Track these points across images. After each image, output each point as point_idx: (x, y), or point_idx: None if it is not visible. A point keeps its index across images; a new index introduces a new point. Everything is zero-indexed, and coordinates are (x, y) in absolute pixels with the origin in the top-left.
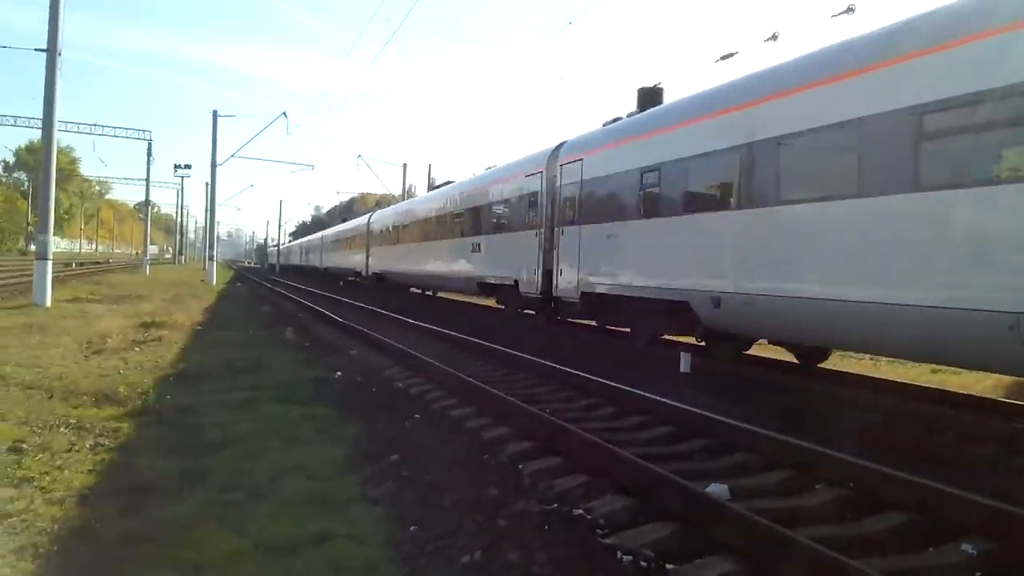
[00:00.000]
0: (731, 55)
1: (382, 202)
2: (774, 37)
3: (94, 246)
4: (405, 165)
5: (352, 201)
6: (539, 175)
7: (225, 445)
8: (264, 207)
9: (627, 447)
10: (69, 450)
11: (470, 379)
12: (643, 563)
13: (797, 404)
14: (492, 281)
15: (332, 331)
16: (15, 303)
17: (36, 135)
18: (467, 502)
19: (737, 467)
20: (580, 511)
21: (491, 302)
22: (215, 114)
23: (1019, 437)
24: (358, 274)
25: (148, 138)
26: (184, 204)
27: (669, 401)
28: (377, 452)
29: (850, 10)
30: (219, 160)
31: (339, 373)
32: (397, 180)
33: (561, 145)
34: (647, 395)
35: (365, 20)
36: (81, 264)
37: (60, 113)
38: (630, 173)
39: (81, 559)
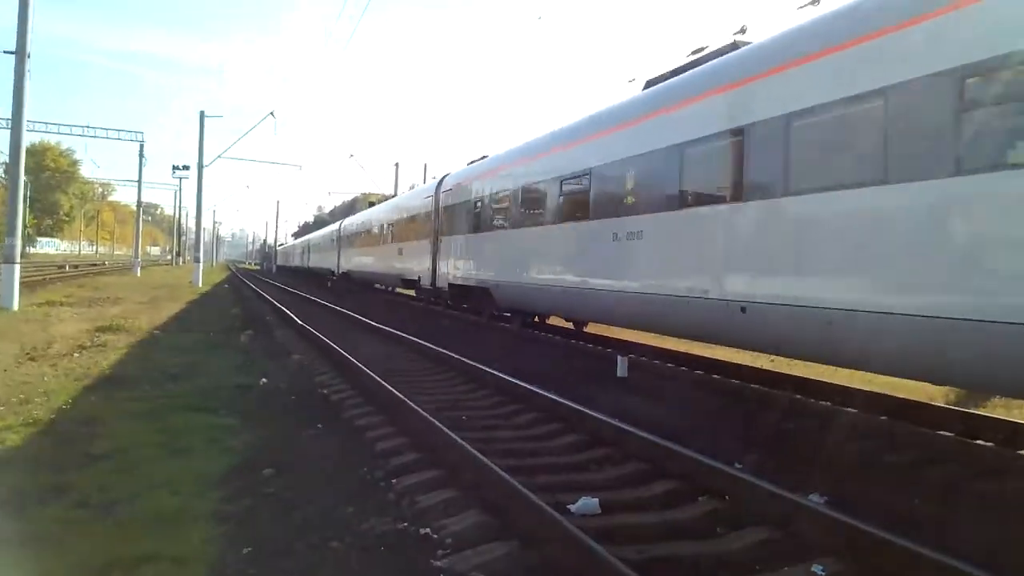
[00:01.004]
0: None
1: (377, 203)
2: (742, 31)
3: (95, 248)
4: (397, 164)
5: (355, 201)
6: (431, 198)
7: (105, 458)
8: (265, 208)
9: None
10: None
11: (389, 387)
12: None
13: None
14: (408, 276)
15: (288, 334)
16: None
17: (35, 137)
18: (315, 522)
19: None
20: (427, 530)
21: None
22: (202, 115)
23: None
24: (332, 272)
25: (140, 139)
26: (183, 205)
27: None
28: (257, 465)
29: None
30: (205, 161)
31: (264, 380)
32: (390, 179)
33: (445, 176)
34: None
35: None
36: (75, 266)
37: (55, 115)
38: (467, 203)
39: None
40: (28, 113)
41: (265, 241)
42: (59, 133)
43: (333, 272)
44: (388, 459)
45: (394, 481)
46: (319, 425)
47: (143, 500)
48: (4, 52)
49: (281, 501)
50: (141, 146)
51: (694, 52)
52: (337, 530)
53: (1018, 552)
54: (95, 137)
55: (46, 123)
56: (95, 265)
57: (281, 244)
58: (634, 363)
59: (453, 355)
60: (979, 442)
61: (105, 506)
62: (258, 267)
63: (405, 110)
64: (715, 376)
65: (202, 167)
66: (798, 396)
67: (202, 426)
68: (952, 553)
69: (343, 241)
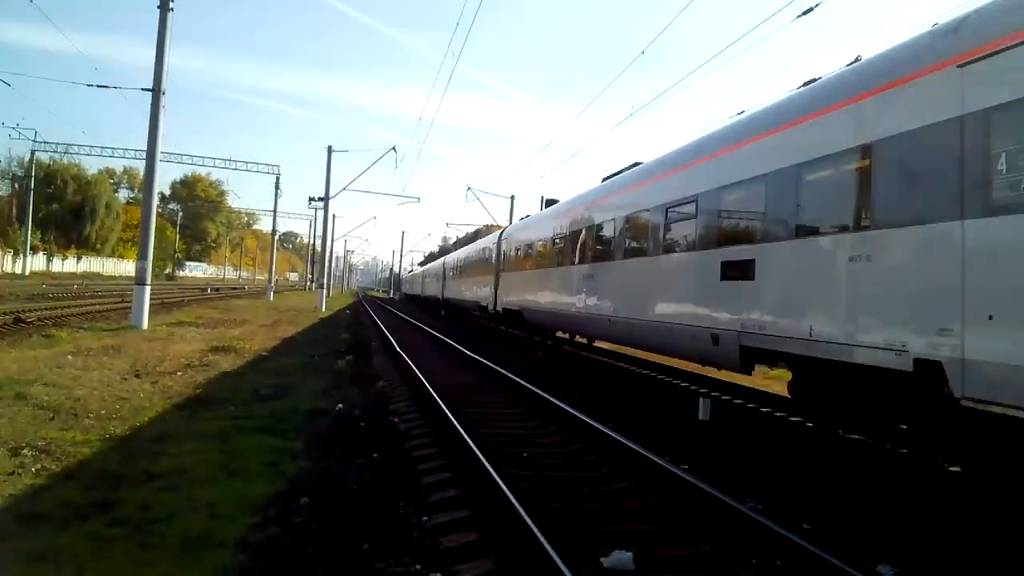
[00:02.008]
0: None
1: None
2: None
3: (238, 272)
4: (513, 197)
5: (477, 232)
6: (495, 244)
7: (161, 476)
8: (393, 238)
9: None
10: (12, 473)
11: (454, 421)
12: None
13: None
14: (481, 303)
15: (385, 359)
16: (116, 325)
17: (189, 169)
18: (327, 557)
19: None
20: (438, 575)
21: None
22: (329, 149)
23: None
24: (436, 299)
25: (277, 172)
26: (318, 234)
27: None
28: (300, 492)
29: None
30: (331, 193)
31: (340, 406)
32: (505, 211)
33: (505, 227)
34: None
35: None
36: (216, 289)
37: (201, 148)
38: (511, 249)
39: None
40: (176, 146)
41: (391, 270)
42: (203, 165)
43: (438, 299)
44: (428, 493)
45: (425, 519)
46: (374, 455)
47: (178, 521)
48: (141, 89)
49: (304, 533)
50: (277, 178)
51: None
52: (346, 568)
53: None
54: (236, 170)
55: (191, 155)
56: (235, 289)
57: (409, 271)
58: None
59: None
60: None
61: (140, 525)
62: (385, 294)
63: (519, 141)
64: None
65: (328, 198)
66: None
67: (265, 449)
68: None
69: (446, 274)
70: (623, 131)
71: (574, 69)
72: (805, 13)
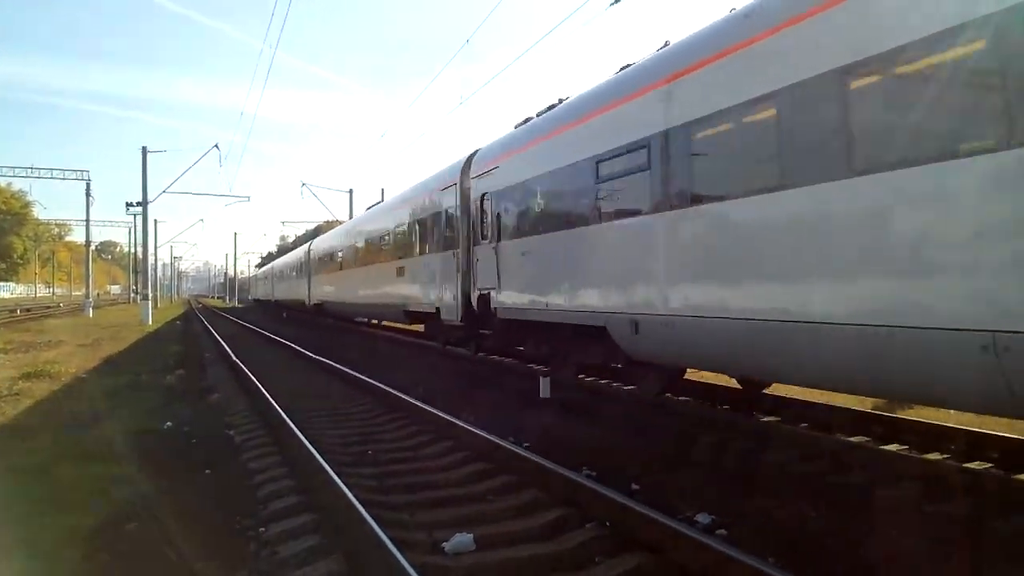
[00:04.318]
0: None
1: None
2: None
3: (51, 290)
4: (351, 191)
5: (317, 229)
6: (307, 252)
7: None
8: (226, 241)
9: None
10: None
11: (292, 426)
12: None
13: None
14: (300, 300)
15: (221, 371)
16: None
17: None
18: None
19: None
20: None
21: None
22: (144, 150)
23: None
24: (269, 301)
25: (86, 178)
26: (139, 242)
27: None
28: (131, 517)
29: None
30: (150, 197)
31: (169, 423)
32: (344, 207)
33: (313, 240)
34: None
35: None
36: (26, 310)
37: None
38: (320, 255)
39: None
40: None
41: (226, 275)
42: (1, 176)
43: (270, 301)
44: (267, 503)
45: (262, 529)
46: (207, 471)
47: None
48: None
49: (133, 557)
50: (88, 184)
51: None
52: None
53: None
54: (40, 178)
55: None
56: (49, 307)
57: (251, 274)
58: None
59: None
60: None
61: None
62: (221, 300)
63: (355, 135)
64: None
65: (146, 202)
66: None
67: (91, 477)
68: None
69: (275, 276)
70: (458, 117)
71: (404, 56)
72: (616, 2)
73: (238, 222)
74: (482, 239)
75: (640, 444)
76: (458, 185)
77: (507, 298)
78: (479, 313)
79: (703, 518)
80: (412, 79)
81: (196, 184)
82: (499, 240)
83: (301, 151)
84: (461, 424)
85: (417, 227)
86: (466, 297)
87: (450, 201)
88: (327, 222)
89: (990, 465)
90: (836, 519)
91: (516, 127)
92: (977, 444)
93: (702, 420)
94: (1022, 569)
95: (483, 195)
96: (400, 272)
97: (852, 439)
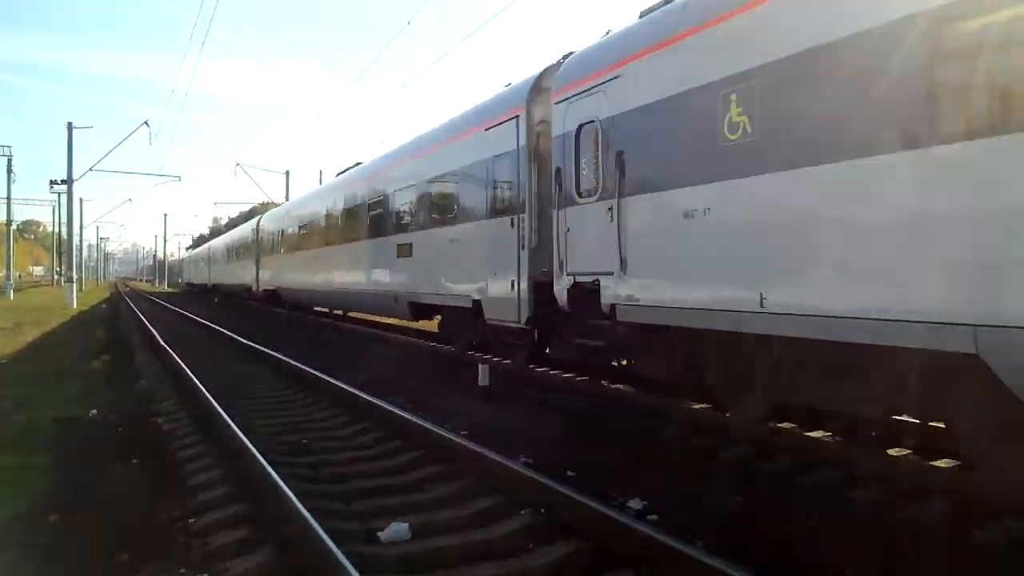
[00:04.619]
0: None
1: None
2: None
3: None
4: (288, 172)
5: (252, 211)
6: (255, 230)
7: None
8: (157, 222)
9: None
10: None
11: (223, 414)
12: None
13: None
14: (246, 285)
15: (149, 356)
16: None
17: None
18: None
19: None
20: None
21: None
22: (70, 126)
23: None
24: (205, 285)
25: (7, 154)
26: (64, 222)
27: None
28: (50, 509)
29: None
30: (76, 175)
31: (95, 411)
32: (280, 189)
33: (263, 215)
34: None
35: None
36: None
37: None
38: (272, 234)
39: None
40: None
41: (155, 257)
42: None
43: (207, 286)
44: (196, 494)
45: (192, 520)
46: (134, 461)
47: None
48: None
49: (53, 551)
50: (9, 161)
51: None
52: None
53: None
54: None
55: None
56: None
57: (182, 256)
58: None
59: None
60: None
61: None
62: (149, 283)
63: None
64: None
65: (71, 180)
66: None
67: (10, 467)
68: None
69: (213, 258)
70: (404, 98)
71: (349, 30)
72: None
73: (169, 202)
74: (579, 197)
75: (579, 432)
76: (523, 117)
77: (641, 290)
78: (572, 312)
79: (635, 504)
80: (357, 57)
81: (125, 163)
82: (620, 196)
83: (236, 130)
84: (400, 413)
85: (436, 187)
86: (536, 285)
87: (506, 142)
88: (262, 204)
89: (908, 452)
90: (761, 503)
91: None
92: (897, 431)
93: (643, 409)
94: (930, 547)
95: (585, 123)
96: (404, 250)
97: (779, 425)
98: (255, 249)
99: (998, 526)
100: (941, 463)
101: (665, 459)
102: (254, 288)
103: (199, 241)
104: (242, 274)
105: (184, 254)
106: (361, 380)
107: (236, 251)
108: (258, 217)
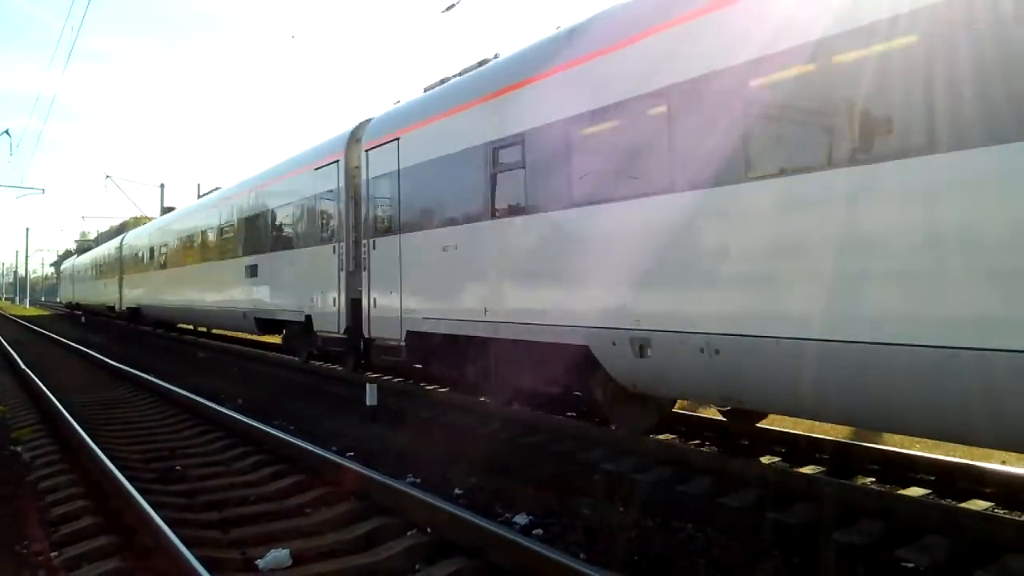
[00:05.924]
0: None
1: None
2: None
3: None
4: (162, 185)
5: (123, 225)
6: (119, 247)
7: None
8: (18, 237)
9: None
10: None
11: (89, 441)
12: None
13: None
14: (109, 304)
15: (6, 380)
16: None
17: None
18: None
19: None
20: None
21: None
22: None
23: None
24: (71, 303)
25: None
26: None
27: None
28: None
29: None
30: None
31: None
32: (155, 202)
33: (127, 232)
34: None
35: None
36: None
37: None
38: (136, 252)
39: None
40: None
41: (15, 273)
42: None
43: (71, 304)
44: (59, 526)
45: (54, 554)
46: None
47: None
48: None
49: None
50: None
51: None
52: None
53: None
54: None
55: None
56: None
57: (46, 274)
58: None
59: None
60: None
61: None
62: (8, 302)
63: (167, 128)
64: None
65: None
66: None
67: None
68: None
69: (76, 276)
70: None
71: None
72: (448, 9)
73: (31, 217)
74: (377, 231)
75: (468, 450)
76: (342, 161)
77: (417, 305)
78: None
79: (521, 519)
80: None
81: None
82: (401, 232)
83: (106, 140)
84: (279, 435)
85: (277, 215)
86: (352, 302)
87: (329, 182)
88: (134, 218)
89: (778, 459)
90: (639, 515)
91: (426, 90)
92: (765, 438)
93: (528, 425)
94: (795, 549)
95: (382, 174)
96: (252, 271)
97: (660, 437)
98: (119, 268)
99: (854, 529)
100: (807, 469)
101: (551, 474)
102: (117, 306)
103: (64, 257)
104: (106, 292)
105: (47, 271)
106: (240, 403)
107: (100, 269)
108: (122, 236)
